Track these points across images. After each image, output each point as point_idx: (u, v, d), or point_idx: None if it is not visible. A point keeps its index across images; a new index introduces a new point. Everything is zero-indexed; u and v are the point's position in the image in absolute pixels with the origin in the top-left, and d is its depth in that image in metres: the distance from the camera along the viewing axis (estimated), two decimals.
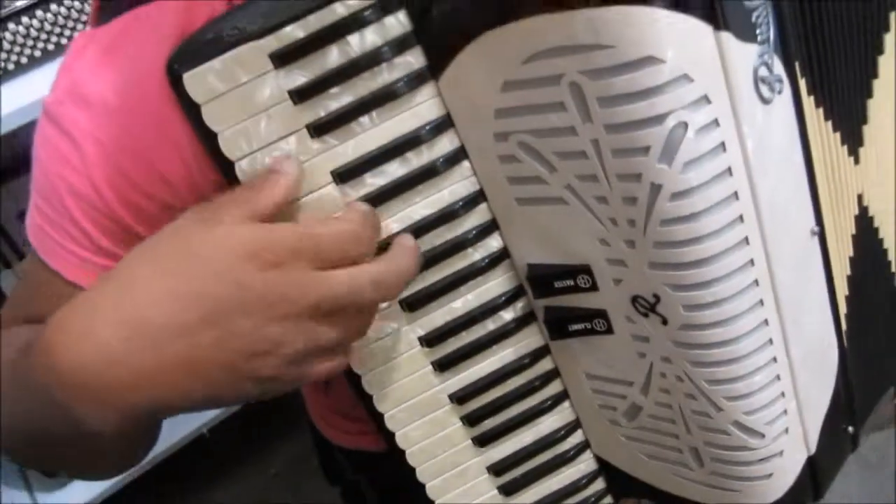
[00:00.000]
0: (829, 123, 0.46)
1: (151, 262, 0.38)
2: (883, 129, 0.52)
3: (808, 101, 0.44)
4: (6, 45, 0.68)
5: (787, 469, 0.50)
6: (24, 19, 0.71)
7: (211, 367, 0.37)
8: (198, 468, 1.35)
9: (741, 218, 0.41)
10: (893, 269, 0.57)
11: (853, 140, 0.49)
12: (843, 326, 0.50)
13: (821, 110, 0.45)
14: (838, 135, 0.47)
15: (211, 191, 0.44)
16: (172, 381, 0.37)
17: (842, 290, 0.50)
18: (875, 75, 0.50)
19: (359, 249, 0.40)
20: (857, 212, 0.51)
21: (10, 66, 0.71)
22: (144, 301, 0.37)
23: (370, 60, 0.42)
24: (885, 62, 0.51)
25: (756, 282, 0.43)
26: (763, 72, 0.40)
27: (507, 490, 0.55)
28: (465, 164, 0.45)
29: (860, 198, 0.51)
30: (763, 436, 0.48)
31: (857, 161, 0.50)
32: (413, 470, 0.53)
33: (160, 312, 0.36)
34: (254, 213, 0.39)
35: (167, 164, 0.44)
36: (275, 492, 1.41)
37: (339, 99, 0.42)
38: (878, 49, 0.50)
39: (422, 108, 0.44)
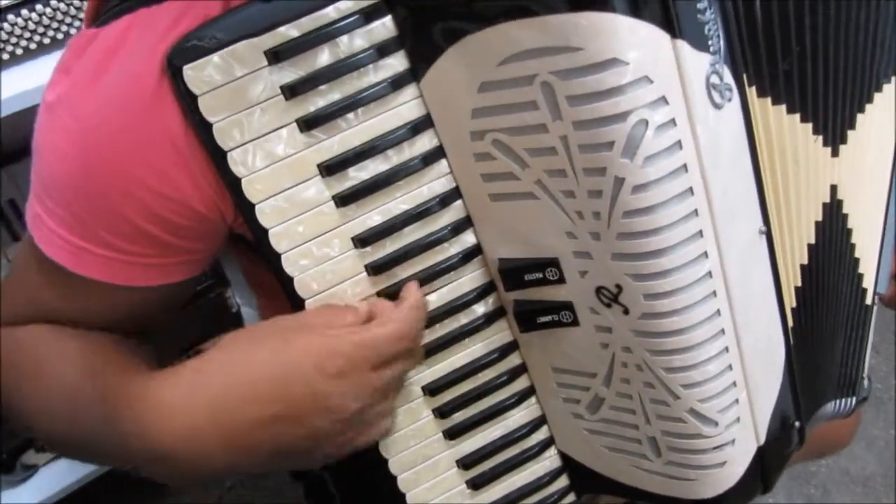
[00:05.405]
0: (797, 116, 0.50)
1: (245, 363, 0.47)
2: (879, 141, 0.57)
3: (763, 103, 0.48)
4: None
5: (739, 458, 0.53)
6: (24, 12, 0.73)
7: (280, 451, 0.48)
8: None
9: (696, 212, 0.45)
10: (861, 273, 0.60)
11: (831, 134, 0.54)
12: (790, 322, 0.54)
13: (782, 107, 0.49)
14: (809, 126, 0.51)
15: (210, 186, 0.46)
16: (239, 461, 0.48)
17: (791, 282, 0.53)
18: (869, 99, 0.55)
19: (408, 345, 0.49)
20: (827, 199, 0.55)
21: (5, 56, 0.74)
22: (234, 395, 0.47)
23: (358, 62, 0.45)
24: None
25: (709, 273, 0.47)
26: (714, 79, 0.44)
27: (476, 485, 0.57)
28: (443, 162, 0.49)
29: (834, 188, 0.55)
30: (716, 424, 0.51)
31: (834, 153, 0.54)
32: (383, 463, 0.55)
33: (244, 407, 0.47)
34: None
35: (166, 160, 0.46)
36: (236, 491, 1.38)
37: (327, 96, 0.46)
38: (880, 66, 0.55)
39: (403, 108, 0.47)
